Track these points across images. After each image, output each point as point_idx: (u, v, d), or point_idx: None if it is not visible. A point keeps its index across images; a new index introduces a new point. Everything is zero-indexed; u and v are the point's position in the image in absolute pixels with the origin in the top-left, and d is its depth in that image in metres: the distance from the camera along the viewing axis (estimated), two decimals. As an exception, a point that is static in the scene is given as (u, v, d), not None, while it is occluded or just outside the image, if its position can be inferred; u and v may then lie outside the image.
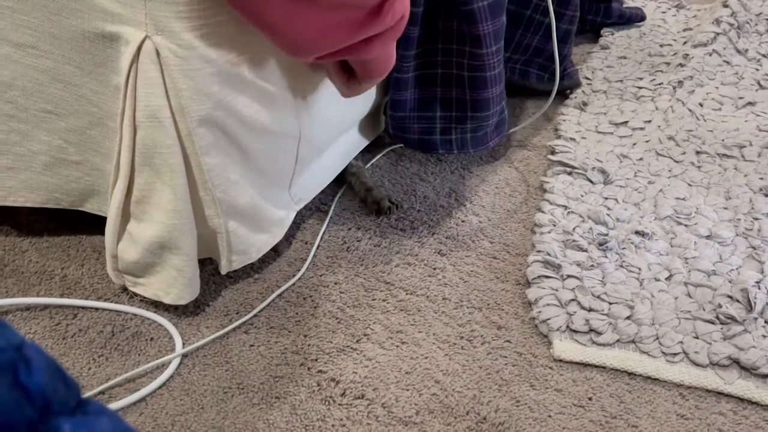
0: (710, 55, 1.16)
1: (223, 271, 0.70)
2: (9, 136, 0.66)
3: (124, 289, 0.71)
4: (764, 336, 0.68)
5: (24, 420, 0.19)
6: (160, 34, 0.56)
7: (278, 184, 0.74)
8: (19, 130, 0.66)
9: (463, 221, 0.83)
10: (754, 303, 0.70)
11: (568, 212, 0.84)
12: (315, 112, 0.73)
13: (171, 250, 0.64)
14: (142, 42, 0.56)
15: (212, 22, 0.57)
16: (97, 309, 0.69)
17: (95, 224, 0.75)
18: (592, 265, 0.76)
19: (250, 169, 0.68)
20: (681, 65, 1.13)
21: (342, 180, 0.86)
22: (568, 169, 0.91)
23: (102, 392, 0.62)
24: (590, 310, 0.70)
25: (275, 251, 0.77)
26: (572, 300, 0.71)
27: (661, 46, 1.23)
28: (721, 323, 0.69)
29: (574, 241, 0.78)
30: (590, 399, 0.64)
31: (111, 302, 0.70)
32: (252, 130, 0.66)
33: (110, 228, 0.65)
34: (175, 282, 0.65)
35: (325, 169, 0.81)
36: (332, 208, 0.84)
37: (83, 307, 0.69)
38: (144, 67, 0.57)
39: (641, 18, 1.29)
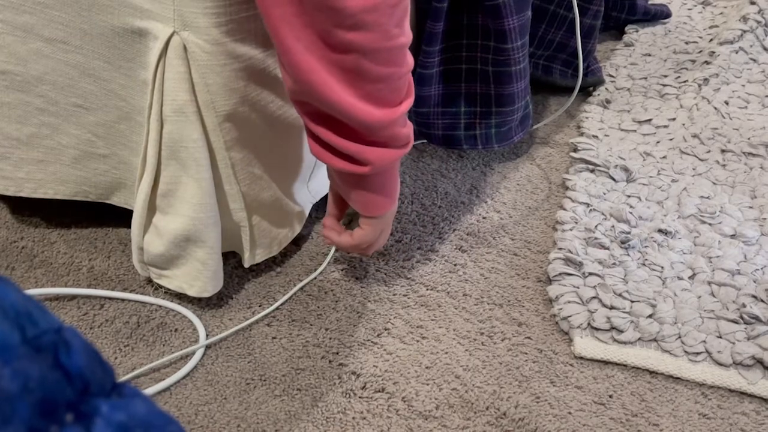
0: (737, 52, 1.14)
1: (247, 264, 0.71)
2: (40, 130, 0.68)
3: (149, 280, 0.72)
4: (789, 336, 0.67)
5: (64, 400, 0.20)
6: (188, 30, 0.57)
7: (299, 179, 0.75)
8: (49, 123, 0.67)
9: (484, 218, 0.83)
10: (779, 303, 0.69)
11: (591, 210, 0.83)
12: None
13: (196, 243, 0.65)
14: (170, 37, 0.57)
15: (238, 18, 0.58)
16: (123, 300, 0.70)
17: (121, 217, 0.76)
18: (614, 263, 0.75)
19: (274, 164, 0.69)
20: (707, 63, 1.12)
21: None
22: (591, 167, 0.90)
23: (127, 381, 0.64)
24: (612, 308, 0.70)
25: (297, 245, 0.78)
26: (594, 297, 0.71)
27: (686, 43, 1.21)
28: (745, 323, 0.69)
29: (596, 238, 0.78)
30: (611, 397, 0.64)
31: (136, 293, 0.71)
32: (275, 125, 0.66)
33: (136, 221, 0.67)
34: (200, 275, 0.66)
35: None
36: (354, 203, 0.84)
37: (110, 298, 0.70)
38: (171, 63, 0.58)
39: (666, 15, 1.28)
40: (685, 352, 0.67)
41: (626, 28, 1.25)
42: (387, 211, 0.66)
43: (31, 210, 0.80)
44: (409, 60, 0.57)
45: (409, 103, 0.59)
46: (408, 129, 0.61)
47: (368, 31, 0.51)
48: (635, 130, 0.99)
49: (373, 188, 0.63)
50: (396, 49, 0.54)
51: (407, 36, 0.55)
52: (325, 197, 0.80)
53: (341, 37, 0.51)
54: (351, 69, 0.53)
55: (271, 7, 0.51)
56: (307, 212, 0.78)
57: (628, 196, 0.86)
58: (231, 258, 0.75)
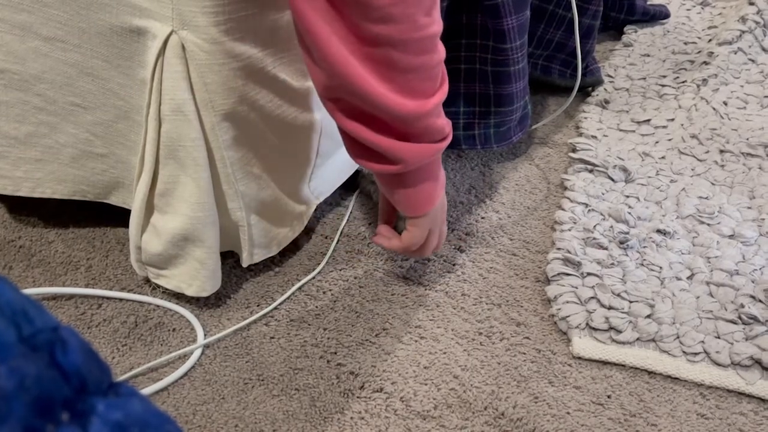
0: (735, 53, 1.14)
1: (245, 264, 0.71)
2: (38, 129, 0.67)
3: (147, 280, 0.72)
4: (787, 337, 0.67)
5: (61, 398, 0.20)
6: (186, 29, 0.57)
7: (299, 178, 0.74)
8: (47, 122, 0.67)
9: (482, 218, 0.83)
10: (778, 303, 0.69)
11: (589, 210, 0.83)
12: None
13: (194, 243, 0.65)
14: (168, 36, 0.57)
15: (237, 17, 0.58)
16: (120, 299, 0.70)
17: (119, 216, 0.76)
18: (613, 263, 0.75)
19: (272, 163, 0.69)
20: (705, 63, 1.12)
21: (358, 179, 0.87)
22: (590, 167, 0.90)
23: (125, 381, 0.63)
24: (610, 308, 0.70)
25: (295, 245, 0.77)
26: (592, 298, 0.71)
27: (685, 43, 1.21)
28: (744, 323, 0.69)
29: (594, 239, 0.78)
30: (609, 397, 0.63)
31: (134, 293, 0.71)
32: (274, 125, 0.66)
33: (134, 220, 0.66)
34: (198, 274, 0.66)
35: (344, 163, 0.81)
36: (352, 203, 0.84)
37: (107, 298, 0.70)
38: (170, 62, 0.58)
39: (665, 15, 1.28)
40: (684, 352, 0.67)
41: (625, 29, 1.25)
42: (428, 210, 0.65)
43: (29, 209, 0.80)
44: (441, 49, 0.56)
45: (443, 93, 0.58)
46: (443, 121, 0.60)
47: (396, 23, 0.51)
48: (634, 131, 0.99)
49: (412, 187, 0.63)
50: (427, 38, 0.53)
51: (438, 24, 0.54)
52: (329, 198, 0.80)
53: (370, 30, 0.51)
54: (382, 60, 0.53)
55: (303, 3, 0.51)
56: (310, 212, 0.78)
57: (627, 197, 0.86)
58: (229, 257, 0.75)
